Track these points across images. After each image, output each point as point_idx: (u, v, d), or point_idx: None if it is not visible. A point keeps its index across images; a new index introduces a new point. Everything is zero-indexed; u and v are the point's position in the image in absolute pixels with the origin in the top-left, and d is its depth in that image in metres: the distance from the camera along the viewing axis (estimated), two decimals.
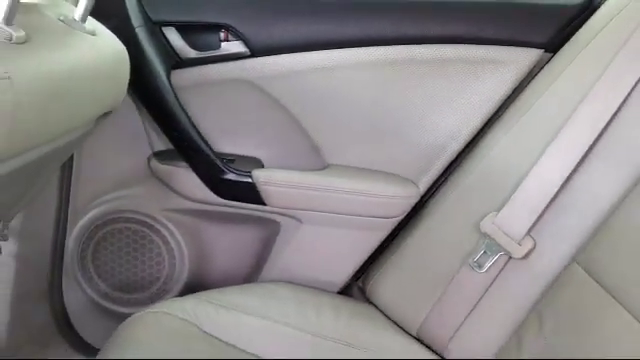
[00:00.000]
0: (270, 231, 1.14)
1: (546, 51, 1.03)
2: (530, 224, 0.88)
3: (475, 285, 0.92)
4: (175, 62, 1.07)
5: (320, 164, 1.12)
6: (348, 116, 1.08)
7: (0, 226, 0.90)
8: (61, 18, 0.75)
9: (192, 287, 1.16)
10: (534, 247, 0.88)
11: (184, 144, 1.08)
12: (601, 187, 0.86)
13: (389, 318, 1.03)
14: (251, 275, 1.18)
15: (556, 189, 0.87)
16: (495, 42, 1.03)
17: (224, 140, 1.12)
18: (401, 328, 1.01)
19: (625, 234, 0.80)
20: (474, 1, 1.06)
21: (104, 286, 1.18)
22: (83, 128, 0.80)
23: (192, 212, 1.14)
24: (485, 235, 0.92)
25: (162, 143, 1.13)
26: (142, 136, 1.13)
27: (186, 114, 1.07)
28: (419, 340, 0.99)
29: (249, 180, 1.07)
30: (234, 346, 0.88)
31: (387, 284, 1.06)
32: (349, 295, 1.16)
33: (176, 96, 1.06)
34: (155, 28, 1.06)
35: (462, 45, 1.03)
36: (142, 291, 1.18)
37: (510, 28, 1.04)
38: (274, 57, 1.06)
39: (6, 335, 1.13)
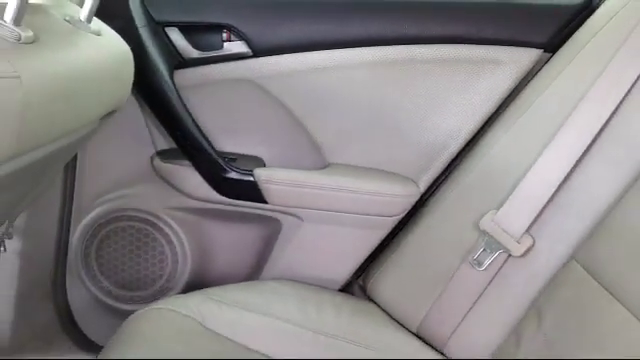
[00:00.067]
0: (272, 229, 1.15)
1: (545, 51, 1.04)
2: (529, 222, 0.89)
3: (475, 282, 0.93)
4: (178, 62, 1.08)
5: (321, 163, 1.12)
6: (349, 115, 1.09)
7: (5, 224, 0.90)
8: (67, 18, 0.75)
9: (194, 284, 1.16)
10: (533, 245, 0.89)
11: (187, 143, 1.09)
12: (600, 185, 0.86)
13: (390, 315, 1.04)
14: (253, 273, 1.18)
15: (555, 188, 0.88)
16: (495, 42, 1.04)
17: (226, 139, 1.12)
18: (401, 325, 1.01)
19: (623, 232, 0.80)
20: (474, 1, 1.06)
21: (107, 284, 1.19)
22: (88, 127, 0.80)
23: (195, 210, 1.15)
24: (485, 233, 0.92)
25: (165, 142, 1.14)
26: (145, 135, 1.14)
27: (189, 113, 1.07)
28: (419, 337, 0.99)
29: (251, 179, 1.08)
30: (237, 342, 0.89)
31: (387, 282, 1.06)
32: (350, 293, 1.16)
33: (179, 96, 1.06)
34: (158, 28, 1.07)
35: (462, 45, 1.04)
36: (145, 289, 1.18)
37: (510, 28, 1.04)
38: (276, 57, 1.07)
39: (10, 332, 1.13)
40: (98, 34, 0.80)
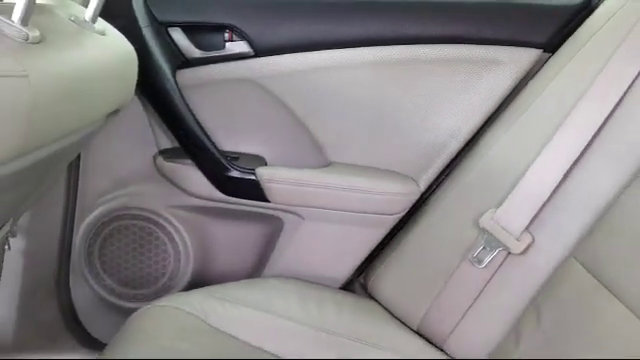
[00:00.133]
0: (273, 227, 1.16)
1: (545, 51, 1.05)
2: (528, 220, 0.89)
3: (475, 280, 0.93)
4: (181, 62, 1.09)
5: (322, 162, 1.13)
6: (350, 115, 1.09)
7: (9, 222, 0.91)
8: (72, 18, 0.76)
9: (197, 282, 1.17)
10: (532, 242, 0.89)
11: (189, 142, 1.09)
12: (598, 184, 0.87)
13: (390, 313, 1.04)
14: (254, 271, 1.19)
15: (554, 186, 0.88)
16: (495, 42, 1.05)
17: (228, 138, 1.13)
18: (402, 323, 1.02)
19: (622, 229, 0.81)
20: (474, 1, 1.07)
21: (110, 282, 1.19)
22: (92, 126, 0.80)
23: (197, 209, 1.15)
24: (484, 231, 0.93)
25: (168, 141, 1.14)
26: (148, 134, 1.14)
27: (191, 113, 1.08)
28: (420, 334, 0.99)
29: (253, 177, 1.08)
30: (240, 339, 0.90)
31: (388, 280, 1.07)
32: (351, 291, 1.16)
33: (182, 95, 1.07)
34: (161, 28, 1.07)
35: (462, 45, 1.05)
36: (148, 286, 1.19)
37: (509, 28, 1.05)
38: (277, 57, 1.08)
39: (14, 330, 1.14)
40: (103, 34, 0.81)
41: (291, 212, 1.12)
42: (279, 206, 1.11)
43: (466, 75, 1.05)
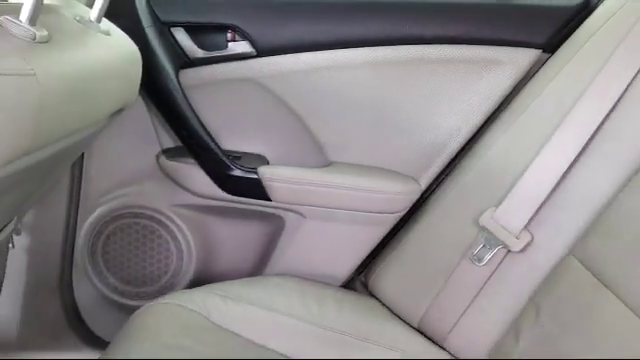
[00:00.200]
0: (275, 226, 1.16)
1: (544, 51, 1.05)
2: (528, 219, 0.90)
3: (475, 278, 0.94)
4: (183, 62, 1.09)
5: (324, 161, 1.13)
6: (351, 115, 1.10)
7: (14, 221, 0.91)
8: (77, 19, 0.76)
9: (199, 280, 1.18)
10: (531, 240, 0.90)
11: (192, 141, 1.10)
12: (596, 183, 0.87)
13: (391, 311, 1.04)
14: (256, 269, 1.19)
15: (553, 185, 0.89)
16: (494, 42, 1.05)
17: (231, 138, 1.13)
18: (403, 320, 1.02)
19: (620, 227, 0.81)
20: (474, 2, 1.07)
21: (113, 280, 1.20)
22: (96, 126, 0.81)
23: (199, 208, 1.16)
24: (484, 229, 0.93)
25: (171, 140, 1.15)
26: (151, 133, 1.15)
27: (194, 112, 1.09)
28: (420, 332, 1.00)
29: (255, 176, 1.09)
30: (242, 337, 0.90)
31: (389, 278, 1.07)
32: (352, 289, 1.17)
33: (184, 95, 1.08)
34: (164, 28, 1.08)
35: (462, 45, 1.05)
36: (151, 285, 1.19)
37: (509, 29, 1.05)
38: (279, 57, 1.08)
39: (17, 328, 1.15)
40: (107, 34, 0.81)
41: (293, 211, 1.13)
42: (281, 205, 1.12)
43: (466, 75, 1.06)
